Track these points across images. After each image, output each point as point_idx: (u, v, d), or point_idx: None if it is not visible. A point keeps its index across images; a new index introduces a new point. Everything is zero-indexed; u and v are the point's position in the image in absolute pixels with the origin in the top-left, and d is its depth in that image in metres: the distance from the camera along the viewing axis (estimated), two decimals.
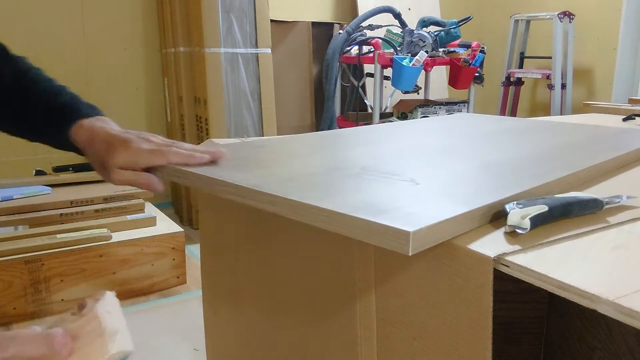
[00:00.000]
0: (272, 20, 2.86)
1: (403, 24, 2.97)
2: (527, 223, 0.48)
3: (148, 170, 0.67)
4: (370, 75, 3.04)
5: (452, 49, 2.98)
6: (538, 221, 0.49)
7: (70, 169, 2.38)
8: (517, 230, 0.48)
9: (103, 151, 0.68)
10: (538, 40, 3.97)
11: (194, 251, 2.45)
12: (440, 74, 3.79)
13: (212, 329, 0.89)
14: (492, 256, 0.44)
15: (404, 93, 2.96)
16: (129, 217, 2.09)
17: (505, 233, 0.49)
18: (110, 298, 0.57)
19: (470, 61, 2.91)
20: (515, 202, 0.51)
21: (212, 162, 0.67)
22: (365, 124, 2.51)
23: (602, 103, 1.73)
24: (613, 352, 0.83)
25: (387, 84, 3.06)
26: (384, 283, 0.55)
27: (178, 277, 2.10)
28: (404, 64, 2.68)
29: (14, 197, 2.06)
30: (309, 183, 0.59)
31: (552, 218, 0.51)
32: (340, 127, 3.04)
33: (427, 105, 2.99)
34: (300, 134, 0.95)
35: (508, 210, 0.49)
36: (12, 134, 0.76)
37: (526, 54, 4.04)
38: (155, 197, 2.39)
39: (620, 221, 0.54)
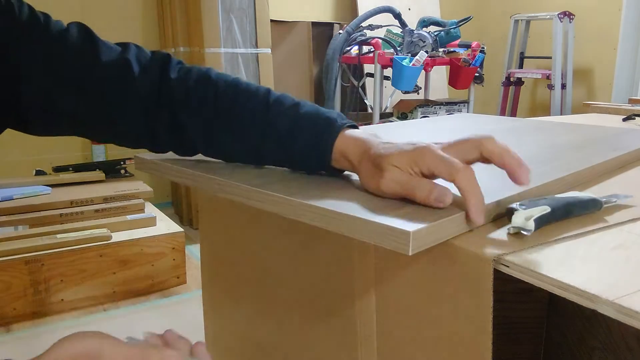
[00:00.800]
0: (272, 20, 2.86)
1: (403, 24, 2.97)
2: (531, 224, 0.48)
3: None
4: (370, 75, 3.04)
5: (452, 49, 2.98)
6: (541, 222, 0.49)
7: (70, 169, 2.38)
8: (522, 231, 0.48)
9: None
10: (538, 40, 3.97)
11: (194, 251, 2.45)
12: (440, 74, 3.80)
13: (212, 329, 0.89)
14: (492, 256, 0.44)
15: (404, 93, 2.96)
16: (129, 217, 2.09)
17: (509, 234, 0.49)
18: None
19: (470, 61, 2.91)
20: (518, 203, 0.51)
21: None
22: (365, 124, 2.51)
23: (602, 103, 1.73)
24: (613, 352, 0.83)
25: (387, 84, 3.06)
26: (384, 283, 0.55)
27: (178, 277, 2.10)
28: (404, 64, 2.68)
29: (14, 197, 2.06)
30: (309, 183, 0.59)
31: (554, 219, 0.51)
32: None
33: (427, 105, 2.99)
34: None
35: (512, 211, 0.49)
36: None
37: (526, 54, 4.04)
38: (155, 197, 2.39)
39: (620, 221, 0.54)
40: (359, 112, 3.13)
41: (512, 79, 3.98)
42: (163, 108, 0.62)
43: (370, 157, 0.53)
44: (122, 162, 2.46)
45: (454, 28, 2.95)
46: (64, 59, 0.61)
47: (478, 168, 0.68)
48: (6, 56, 0.59)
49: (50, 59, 0.60)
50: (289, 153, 0.60)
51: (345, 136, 0.57)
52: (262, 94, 0.61)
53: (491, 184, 0.60)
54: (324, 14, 3.67)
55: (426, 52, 2.76)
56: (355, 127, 0.60)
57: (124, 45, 0.64)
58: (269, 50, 2.76)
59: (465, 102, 3.13)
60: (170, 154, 0.71)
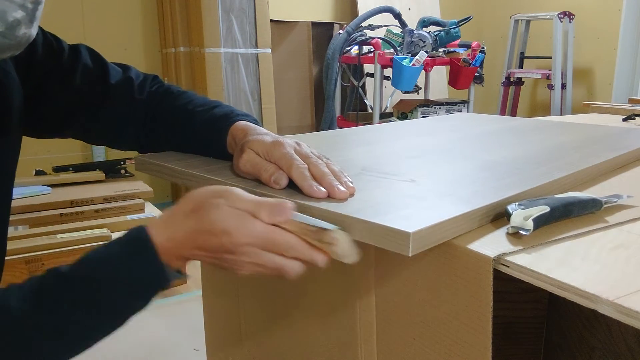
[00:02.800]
0: (272, 20, 2.86)
1: (403, 24, 2.97)
2: (530, 224, 0.48)
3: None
4: (370, 75, 3.04)
5: (452, 49, 2.98)
6: (540, 222, 0.49)
7: (70, 169, 2.38)
8: (520, 231, 0.48)
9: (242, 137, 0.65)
10: (538, 40, 3.97)
11: None
12: (440, 74, 3.79)
13: (212, 329, 0.89)
14: (492, 256, 0.44)
15: (404, 93, 2.96)
16: (129, 217, 2.09)
17: (508, 234, 0.49)
18: None
19: (470, 61, 2.91)
20: (517, 203, 0.51)
21: (331, 197, 0.55)
22: (365, 124, 2.51)
23: (602, 103, 1.73)
24: (613, 352, 0.83)
25: (387, 84, 3.06)
26: (384, 283, 0.55)
27: None
28: (404, 64, 2.68)
29: (14, 197, 2.06)
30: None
31: (553, 219, 0.51)
32: (340, 127, 3.04)
33: (427, 105, 2.99)
34: (300, 134, 0.95)
35: (510, 211, 0.49)
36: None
37: (526, 54, 4.04)
38: (155, 197, 2.39)
39: (620, 221, 0.54)
40: (359, 112, 3.13)
41: (512, 79, 3.98)
42: (148, 118, 0.77)
43: (242, 142, 0.63)
44: (122, 162, 2.45)
45: (454, 28, 2.95)
46: (82, 82, 0.75)
47: (478, 168, 0.68)
48: (35, 83, 0.72)
49: (70, 83, 0.74)
50: (202, 143, 0.72)
51: (236, 126, 0.68)
52: (191, 107, 0.74)
53: (491, 184, 0.60)
54: (324, 14, 3.67)
55: (426, 52, 2.76)
56: (253, 120, 0.71)
57: (125, 68, 0.79)
58: (269, 50, 2.76)
59: (465, 102, 3.13)
60: (171, 155, 0.72)
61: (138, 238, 0.52)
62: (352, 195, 0.55)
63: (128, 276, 0.51)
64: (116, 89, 0.76)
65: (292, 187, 0.57)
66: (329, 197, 0.54)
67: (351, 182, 0.57)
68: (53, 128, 0.78)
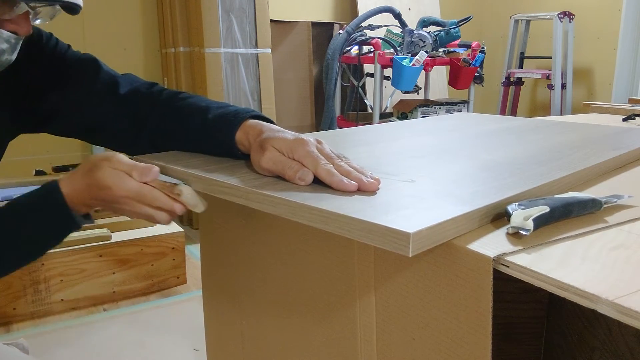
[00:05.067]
0: (272, 20, 2.86)
1: (403, 24, 2.97)
2: (530, 224, 0.48)
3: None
4: (370, 75, 3.04)
5: (452, 49, 2.98)
6: (540, 222, 0.49)
7: (70, 169, 2.38)
8: (520, 231, 0.48)
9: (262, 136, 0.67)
10: (538, 40, 3.97)
11: (194, 251, 2.45)
12: (440, 74, 3.79)
13: (212, 329, 0.89)
14: (492, 256, 0.44)
15: (404, 93, 2.96)
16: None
17: (508, 234, 0.49)
18: None
19: (470, 61, 2.91)
20: (517, 203, 0.51)
21: (361, 191, 0.57)
22: (365, 124, 2.51)
23: (602, 103, 1.73)
24: (613, 352, 0.83)
25: (387, 84, 3.06)
26: (383, 283, 0.55)
27: (178, 277, 2.10)
28: (404, 64, 2.68)
29: (14, 197, 2.06)
30: (308, 185, 0.59)
31: (553, 219, 0.51)
32: (340, 127, 3.04)
33: (427, 105, 2.99)
34: (300, 135, 0.95)
35: (510, 211, 0.49)
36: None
37: (526, 54, 4.04)
38: None
39: (620, 221, 0.54)
40: (359, 112, 3.13)
41: (512, 79, 3.98)
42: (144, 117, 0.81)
43: (260, 139, 0.66)
44: None
45: (454, 28, 2.95)
46: (77, 86, 0.83)
47: (478, 168, 0.68)
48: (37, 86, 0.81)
49: (67, 86, 0.82)
50: (212, 137, 0.74)
51: (247, 124, 0.70)
52: (204, 106, 0.77)
53: (491, 184, 0.60)
54: (324, 14, 3.67)
55: (426, 52, 2.76)
56: (263, 118, 0.73)
57: (124, 74, 0.86)
58: (269, 50, 2.76)
59: (465, 102, 3.12)
60: (171, 155, 0.72)
61: (51, 188, 0.67)
62: (378, 188, 0.58)
63: (44, 215, 0.67)
64: (102, 91, 0.82)
65: (317, 182, 0.59)
66: (359, 190, 0.57)
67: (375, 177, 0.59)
68: (44, 126, 0.85)
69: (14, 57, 0.72)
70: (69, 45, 0.85)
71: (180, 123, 0.78)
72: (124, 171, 0.65)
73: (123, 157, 0.66)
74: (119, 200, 0.65)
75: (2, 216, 0.68)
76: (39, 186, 0.68)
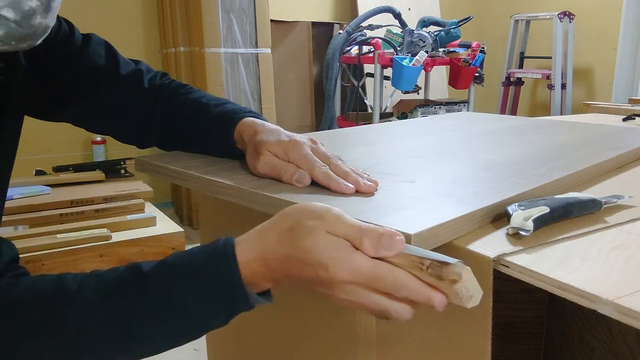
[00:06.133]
0: (272, 20, 2.86)
1: (403, 24, 2.97)
2: (530, 225, 0.48)
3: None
4: (370, 75, 3.04)
5: (452, 49, 2.98)
6: (540, 222, 0.49)
7: (70, 169, 2.38)
8: (520, 232, 0.48)
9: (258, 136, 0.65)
10: (538, 40, 3.97)
11: None
12: (440, 74, 3.79)
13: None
14: (492, 257, 0.44)
15: (404, 93, 2.96)
16: (129, 217, 2.09)
17: (508, 235, 0.49)
18: None
19: (470, 61, 2.91)
20: (517, 204, 0.51)
21: (360, 192, 0.56)
22: (365, 124, 2.51)
23: (602, 103, 1.73)
24: (613, 352, 0.83)
25: (387, 84, 3.06)
26: None
27: None
28: (404, 64, 2.68)
29: (14, 197, 2.06)
30: (307, 186, 0.59)
31: (553, 219, 0.51)
32: (340, 127, 3.04)
33: (427, 105, 2.99)
34: (300, 135, 0.95)
35: (510, 212, 0.49)
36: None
37: (526, 54, 4.04)
38: (155, 197, 2.39)
39: (620, 221, 0.54)
40: (359, 112, 3.13)
41: (512, 79, 3.98)
42: (150, 110, 0.77)
43: (254, 140, 0.64)
44: (122, 162, 2.45)
45: (454, 28, 2.95)
46: (94, 71, 0.76)
47: (478, 168, 0.68)
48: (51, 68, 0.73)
49: (83, 70, 0.75)
50: (211, 136, 0.72)
51: (245, 121, 0.68)
52: (205, 101, 0.75)
53: (491, 184, 0.60)
54: (324, 14, 3.67)
55: (426, 52, 2.76)
56: (259, 117, 0.71)
57: (136, 62, 0.80)
58: (269, 50, 2.76)
59: (465, 102, 3.12)
60: (171, 155, 0.72)
61: (224, 253, 0.46)
62: (376, 189, 0.58)
63: (204, 293, 0.46)
64: (125, 77, 0.77)
65: (315, 183, 0.59)
66: (357, 191, 0.57)
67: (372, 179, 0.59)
68: (55, 110, 0.78)
69: (50, 21, 0.55)
70: (75, 29, 0.78)
71: (182, 122, 0.76)
72: (350, 240, 0.43)
73: (344, 215, 0.44)
74: (336, 287, 0.43)
75: (156, 283, 0.48)
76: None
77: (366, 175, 0.60)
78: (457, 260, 0.40)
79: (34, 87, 0.71)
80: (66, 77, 0.75)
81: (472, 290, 0.39)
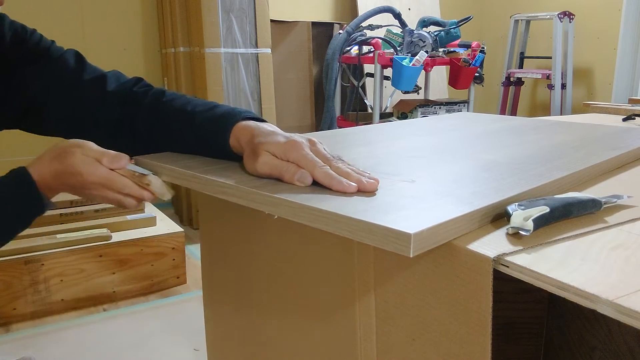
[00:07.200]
0: (272, 20, 2.86)
1: (403, 24, 2.97)
2: (530, 225, 0.48)
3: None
4: (370, 75, 3.04)
5: (452, 49, 2.98)
6: (540, 222, 0.49)
7: None
8: (520, 232, 0.48)
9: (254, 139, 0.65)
10: (538, 40, 3.97)
11: (194, 251, 2.45)
12: (440, 74, 3.79)
13: (212, 329, 0.89)
14: (492, 257, 0.44)
15: (404, 93, 2.96)
16: (129, 217, 2.09)
17: (508, 234, 0.49)
18: None
19: (470, 61, 2.91)
20: (517, 204, 0.51)
21: (361, 191, 0.57)
22: (365, 124, 2.51)
23: (602, 103, 1.73)
24: (613, 352, 0.83)
25: (387, 84, 3.06)
26: (383, 283, 0.55)
27: (178, 277, 2.10)
28: (404, 64, 2.68)
29: None
30: (309, 185, 0.59)
31: (553, 219, 0.51)
32: (340, 127, 3.04)
33: (427, 105, 2.99)
34: (300, 135, 0.95)
35: (510, 211, 0.49)
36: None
37: (526, 54, 4.04)
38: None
39: (620, 221, 0.54)
40: (359, 112, 3.13)
41: (512, 79, 3.98)
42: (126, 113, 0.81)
43: (252, 143, 0.65)
44: None
45: (454, 28, 2.95)
46: (61, 78, 0.81)
47: (478, 168, 0.68)
48: (17, 77, 0.80)
49: (51, 78, 0.81)
50: (203, 144, 0.73)
51: (240, 125, 0.69)
52: (190, 108, 0.76)
53: (491, 184, 0.60)
54: (324, 14, 3.67)
55: (426, 52, 2.76)
56: (257, 119, 0.71)
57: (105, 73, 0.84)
58: (269, 50, 2.76)
59: (465, 102, 3.12)
60: (170, 155, 0.72)
61: (22, 174, 0.68)
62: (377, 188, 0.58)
63: (15, 200, 0.68)
64: (89, 82, 0.82)
65: (315, 183, 0.59)
66: (359, 190, 0.57)
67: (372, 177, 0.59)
68: (30, 121, 0.84)
69: None
70: (52, 41, 0.84)
71: (168, 132, 0.76)
72: (95, 158, 0.67)
73: (93, 144, 0.69)
74: (89, 186, 0.67)
75: None
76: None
77: (367, 174, 0.59)
78: (150, 172, 0.69)
79: (6, 99, 0.80)
80: (35, 88, 0.81)
81: (159, 190, 0.69)
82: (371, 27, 3.01)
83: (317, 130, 2.97)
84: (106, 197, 0.69)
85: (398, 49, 2.85)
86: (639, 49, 3.60)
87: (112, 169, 0.67)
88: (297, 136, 0.64)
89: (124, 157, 0.68)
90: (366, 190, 0.57)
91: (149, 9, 2.97)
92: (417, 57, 2.69)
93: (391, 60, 2.74)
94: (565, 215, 0.53)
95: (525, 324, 0.92)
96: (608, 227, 0.52)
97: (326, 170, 0.59)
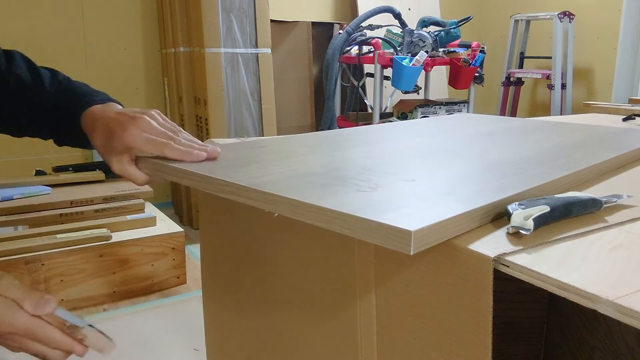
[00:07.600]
0: (272, 20, 2.86)
1: (403, 24, 2.97)
2: (530, 224, 0.48)
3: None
4: (370, 75, 3.04)
5: (452, 49, 2.98)
6: (541, 221, 0.49)
7: (70, 169, 2.38)
8: (520, 231, 0.48)
9: (104, 136, 0.68)
10: (538, 40, 3.97)
11: (194, 251, 2.45)
12: (440, 74, 3.80)
13: (212, 329, 0.89)
14: (492, 256, 0.44)
15: (404, 93, 2.96)
16: (129, 217, 2.09)
17: (508, 234, 0.49)
18: None
19: (470, 61, 2.91)
20: (517, 203, 0.51)
21: (208, 159, 0.66)
22: (365, 124, 2.51)
23: (602, 103, 1.73)
24: (613, 352, 0.83)
25: (387, 84, 3.06)
26: (384, 283, 0.55)
27: (178, 277, 2.10)
28: (404, 64, 2.68)
29: (14, 197, 2.06)
30: (309, 183, 0.59)
31: (553, 218, 0.51)
32: (340, 127, 3.04)
33: (427, 105, 2.99)
34: (300, 134, 0.95)
35: (511, 211, 0.49)
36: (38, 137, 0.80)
37: (526, 54, 4.04)
38: (155, 197, 2.39)
39: (620, 221, 0.54)
40: (359, 112, 3.13)
41: (512, 79, 3.98)
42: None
43: (104, 120, 0.67)
44: None
45: (454, 28, 2.95)
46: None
47: (479, 168, 0.68)
48: None
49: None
50: (58, 122, 0.73)
51: (94, 108, 0.70)
52: (54, 88, 0.75)
53: (491, 183, 0.60)
54: (324, 14, 3.67)
55: (426, 52, 2.76)
56: (116, 103, 0.72)
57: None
58: (269, 50, 2.76)
59: (465, 102, 3.12)
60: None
61: None
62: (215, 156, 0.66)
63: None
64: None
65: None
66: (207, 158, 0.65)
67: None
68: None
69: None
70: None
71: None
72: (16, 300, 0.56)
73: (15, 280, 0.58)
74: (4, 336, 0.56)
75: None
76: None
77: (201, 144, 0.66)
78: (86, 321, 0.58)
79: None
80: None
81: (96, 345, 0.57)
82: (371, 27, 3.01)
83: (317, 130, 2.97)
84: (27, 349, 0.57)
85: (398, 49, 2.85)
86: (639, 49, 3.60)
87: (35, 316, 0.56)
88: (132, 113, 0.66)
89: (51, 301, 0.57)
90: (211, 157, 0.65)
91: (149, 9, 2.97)
92: (417, 57, 2.70)
93: (391, 60, 2.74)
94: (566, 214, 0.52)
95: (525, 324, 0.92)
96: (608, 226, 0.52)
97: (174, 146, 0.64)
